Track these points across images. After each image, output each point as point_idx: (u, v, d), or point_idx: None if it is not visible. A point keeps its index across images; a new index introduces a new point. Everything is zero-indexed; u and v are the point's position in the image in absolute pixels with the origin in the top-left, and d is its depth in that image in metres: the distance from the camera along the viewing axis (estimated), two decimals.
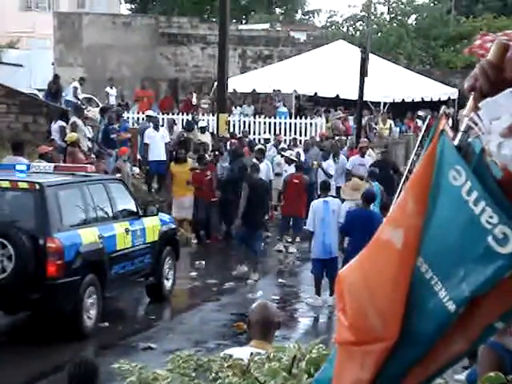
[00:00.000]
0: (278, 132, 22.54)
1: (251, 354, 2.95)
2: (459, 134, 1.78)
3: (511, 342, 5.75)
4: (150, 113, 21.31)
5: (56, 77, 22.96)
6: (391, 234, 1.78)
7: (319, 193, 13.88)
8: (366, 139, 20.69)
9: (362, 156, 18.28)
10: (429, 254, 1.74)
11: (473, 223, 1.67)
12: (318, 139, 21.20)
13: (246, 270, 13.79)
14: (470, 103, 1.80)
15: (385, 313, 1.77)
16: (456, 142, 1.77)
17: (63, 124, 17.42)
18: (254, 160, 16.30)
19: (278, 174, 17.73)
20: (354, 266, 1.88)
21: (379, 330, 1.77)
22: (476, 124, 1.70)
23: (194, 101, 25.72)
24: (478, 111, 1.70)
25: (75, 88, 23.50)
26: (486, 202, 1.65)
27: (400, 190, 1.92)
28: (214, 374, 2.93)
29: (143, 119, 21.27)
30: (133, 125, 21.45)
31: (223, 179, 16.53)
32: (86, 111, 20.34)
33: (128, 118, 22.13)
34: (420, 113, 26.27)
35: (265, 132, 22.48)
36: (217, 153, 17.37)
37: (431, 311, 1.73)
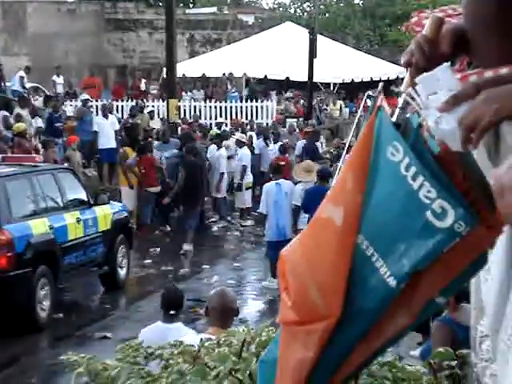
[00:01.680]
0: (229, 115, 22.49)
1: (201, 339, 2.94)
2: (397, 111, 1.78)
3: (463, 317, 5.85)
4: (85, 96, 21.15)
5: None
6: (331, 211, 1.78)
7: (271, 175, 13.90)
8: (312, 122, 20.64)
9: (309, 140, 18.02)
10: (369, 231, 1.74)
11: (411, 198, 1.67)
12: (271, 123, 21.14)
13: (192, 249, 14.41)
14: (406, 79, 1.79)
15: (327, 291, 1.77)
16: (394, 119, 1.76)
17: (6, 114, 17.17)
18: (213, 146, 16.44)
19: (229, 157, 17.66)
20: (296, 245, 1.88)
21: (322, 308, 1.77)
22: (413, 99, 1.69)
23: (143, 86, 25.52)
24: (414, 86, 1.70)
25: (21, 78, 23.14)
26: (424, 176, 1.66)
27: (339, 168, 1.91)
28: (164, 362, 2.90)
29: (91, 106, 20.99)
30: None
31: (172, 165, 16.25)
32: (33, 100, 20.08)
33: (76, 106, 21.87)
34: (370, 92, 26.45)
35: (216, 117, 22.41)
36: (150, 139, 17.04)
37: (373, 288, 1.73)
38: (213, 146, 17.03)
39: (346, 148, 2.19)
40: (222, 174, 16.65)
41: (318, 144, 17.95)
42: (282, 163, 15.38)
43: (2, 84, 21.49)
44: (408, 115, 1.76)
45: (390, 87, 23.63)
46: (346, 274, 1.75)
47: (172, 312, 6.33)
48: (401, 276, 1.69)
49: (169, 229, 15.74)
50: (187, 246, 14.40)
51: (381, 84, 2.00)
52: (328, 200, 1.83)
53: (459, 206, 1.63)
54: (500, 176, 1.43)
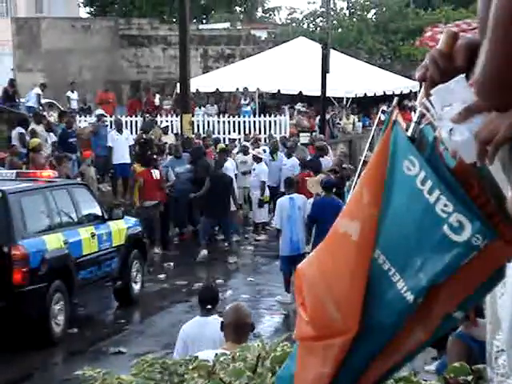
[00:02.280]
0: (242, 130, 22.50)
1: (216, 354, 2.93)
2: (412, 125, 1.78)
3: (479, 332, 5.81)
4: (100, 112, 21.26)
5: (12, 81, 22.75)
6: (347, 226, 1.77)
7: (284, 190, 13.89)
8: (322, 137, 20.48)
9: (319, 156, 17.44)
10: (385, 246, 1.74)
11: (428, 212, 1.66)
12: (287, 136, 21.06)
13: (207, 254, 14.84)
14: (421, 93, 1.80)
15: (344, 306, 1.76)
16: (409, 133, 1.76)
17: (22, 131, 17.29)
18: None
19: (244, 173, 17.65)
20: (312, 260, 1.87)
21: (339, 323, 1.76)
22: (428, 110, 1.70)
23: (157, 102, 25.62)
24: (430, 97, 1.70)
25: (38, 95, 23.35)
26: (441, 190, 1.65)
27: (355, 183, 1.91)
28: (179, 377, 2.90)
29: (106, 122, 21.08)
30: None
31: (185, 180, 16.25)
32: (48, 116, 20.20)
33: (91, 122, 21.96)
34: (384, 107, 26.44)
35: (229, 132, 22.43)
36: (151, 153, 17.07)
37: (390, 302, 1.72)
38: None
39: (361, 162, 2.20)
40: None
41: (325, 158, 17.64)
42: (308, 179, 15.33)
43: (17, 100, 21.66)
44: (423, 128, 1.77)
45: (403, 101, 23.61)
46: (362, 289, 1.74)
47: (208, 306, 6.83)
48: (418, 291, 1.68)
49: (157, 251, 15.40)
50: (232, 259, 14.91)
51: (396, 98, 2.01)
52: (344, 214, 1.83)
53: (476, 219, 1.62)
54: None
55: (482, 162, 1.60)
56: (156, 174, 15.51)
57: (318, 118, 24.21)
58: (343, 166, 16.00)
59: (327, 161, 17.18)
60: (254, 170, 17.26)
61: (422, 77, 1.82)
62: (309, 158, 17.65)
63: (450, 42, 1.82)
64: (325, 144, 18.78)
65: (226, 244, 15.57)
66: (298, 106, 25.37)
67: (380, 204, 1.74)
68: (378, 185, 1.75)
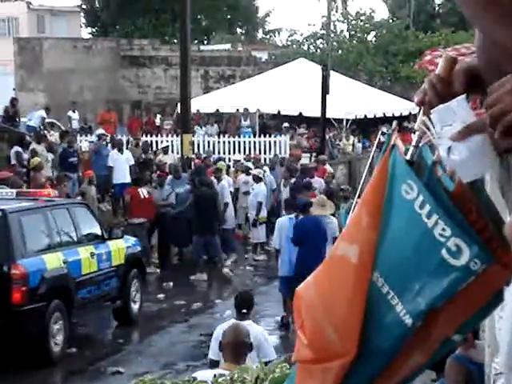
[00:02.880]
0: (242, 151, 22.54)
1: (214, 375, 2.94)
2: (410, 148, 1.79)
3: (477, 354, 5.80)
4: (100, 131, 21.33)
5: (13, 100, 22.84)
6: (346, 249, 1.78)
7: (284, 210, 13.91)
8: (320, 158, 20.48)
9: (311, 177, 17.52)
10: (384, 269, 1.74)
11: (426, 236, 1.67)
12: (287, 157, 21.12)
13: (205, 278, 14.85)
14: (419, 117, 1.82)
15: (342, 329, 1.76)
16: (408, 157, 1.78)
17: (19, 149, 17.33)
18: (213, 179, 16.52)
19: (246, 193, 17.66)
20: (311, 282, 1.88)
21: (337, 346, 1.76)
22: (428, 129, 1.71)
23: (158, 122, 25.68)
24: (430, 116, 1.72)
25: (43, 118, 23.44)
26: (439, 214, 1.66)
27: (354, 206, 1.93)
28: None
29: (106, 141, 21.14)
30: None
31: (184, 199, 16.27)
32: (48, 136, 20.25)
33: (92, 141, 22.03)
34: (384, 129, 26.50)
35: (230, 152, 22.47)
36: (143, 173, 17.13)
37: (388, 326, 1.73)
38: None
39: (360, 185, 2.22)
40: (227, 204, 16.63)
41: (316, 179, 17.59)
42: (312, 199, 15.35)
43: (17, 120, 21.73)
44: (421, 149, 1.78)
45: (402, 123, 23.67)
46: (361, 312, 1.74)
47: (244, 311, 7.30)
48: (416, 314, 1.69)
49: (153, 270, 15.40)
50: (199, 275, 14.78)
51: (395, 122, 2.03)
52: (343, 238, 1.84)
53: (474, 243, 1.63)
54: None
55: (479, 174, 1.63)
56: (144, 192, 15.57)
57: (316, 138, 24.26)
58: (331, 186, 16.12)
59: (317, 181, 17.18)
60: (252, 189, 17.27)
61: (421, 101, 1.84)
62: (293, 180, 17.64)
63: (449, 67, 1.84)
64: (308, 165, 18.79)
65: (217, 262, 15.56)
66: (301, 129, 25.44)
67: (379, 227, 1.75)
68: (376, 208, 1.76)
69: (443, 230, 1.65)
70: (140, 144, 20.56)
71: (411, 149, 1.79)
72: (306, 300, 1.85)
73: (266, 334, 7.12)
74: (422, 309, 1.68)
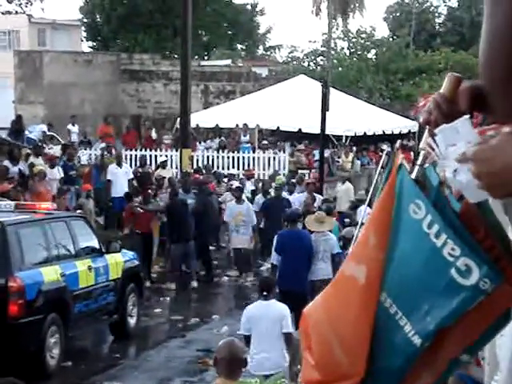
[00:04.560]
0: (241, 166, 22.57)
1: None
2: (416, 168, 1.79)
3: (478, 372, 5.77)
4: (102, 145, 21.45)
5: (19, 117, 23.00)
6: (354, 269, 1.77)
7: (286, 224, 13.90)
8: (316, 174, 20.51)
9: (310, 193, 17.40)
10: (392, 289, 1.73)
11: (435, 256, 1.66)
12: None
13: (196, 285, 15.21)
14: (425, 136, 1.82)
15: (350, 349, 1.74)
16: (413, 176, 1.78)
17: (7, 163, 17.38)
18: (229, 196, 16.52)
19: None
20: (318, 303, 1.86)
21: (345, 367, 1.75)
22: (433, 149, 1.71)
23: (154, 135, 25.73)
24: (435, 136, 1.72)
25: (43, 132, 23.51)
26: (448, 234, 1.65)
27: (361, 225, 1.92)
28: None
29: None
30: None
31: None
32: (47, 149, 20.28)
33: (90, 154, 22.06)
34: (384, 146, 26.55)
35: (229, 167, 22.49)
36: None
37: (397, 346, 1.71)
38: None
39: (366, 203, 2.21)
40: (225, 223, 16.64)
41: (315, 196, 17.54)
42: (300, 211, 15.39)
43: (21, 134, 21.83)
44: (425, 168, 1.78)
45: (402, 141, 23.71)
46: (369, 333, 1.73)
47: (265, 293, 8.46)
48: (425, 334, 1.68)
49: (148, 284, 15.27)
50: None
51: (398, 141, 2.03)
52: (350, 258, 1.82)
53: (483, 263, 1.62)
54: None
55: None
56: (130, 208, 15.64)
57: (316, 153, 24.29)
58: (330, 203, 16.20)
59: (316, 197, 17.18)
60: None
61: (427, 121, 1.85)
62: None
63: (453, 86, 1.85)
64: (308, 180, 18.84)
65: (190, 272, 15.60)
66: (301, 146, 25.52)
67: (386, 247, 1.74)
68: (384, 228, 1.75)
69: (452, 249, 1.64)
70: (111, 153, 20.52)
71: (416, 168, 1.79)
72: (313, 321, 1.83)
73: (288, 311, 8.47)
74: (431, 329, 1.67)
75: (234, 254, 16.34)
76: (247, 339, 8.30)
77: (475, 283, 1.62)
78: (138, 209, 15.53)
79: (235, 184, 17.45)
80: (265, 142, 24.48)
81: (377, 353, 1.73)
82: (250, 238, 16.09)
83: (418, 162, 1.81)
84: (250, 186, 19.19)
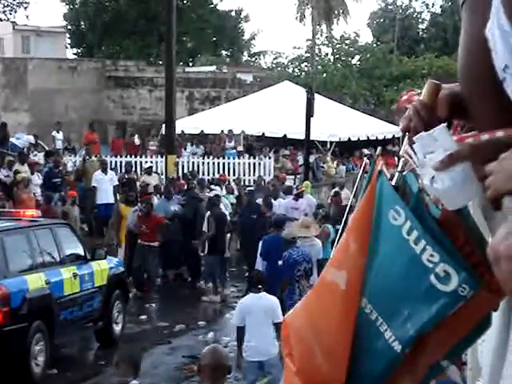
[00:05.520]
0: (227, 172, 22.59)
1: None
2: (396, 174, 1.81)
3: (456, 374, 5.80)
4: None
5: (3, 125, 22.88)
6: (335, 275, 1.78)
7: (271, 229, 13.93)
8: (305, 181, 20.54)
9: (296, 199, 17.35)
10: (372, 295, 1.74)
11: (414, 262, 1.67)
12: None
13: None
14: (404, 143, 1.83)
15: (331, 355, 1.75)
16: (393, 182, 1.79)
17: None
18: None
19: None
20: (299, 309, 1.86)
21: (326, 372, 1.75)
22: (411, 157, 1.72)
23: (137, 141, 25.71)
24: (413, 145, 1.73)
25: (30, 143, 23.43)
26: (427, 240, 1.66)
27: (342, 231, 1.93)
28: None
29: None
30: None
31: (174, 220, 16.21)
32: (32, 156, 20.21)
33: (75, 161, 22.00)
34: (367, 151, 26.63)
35: (214, 173, 22.50)
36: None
37: (378, 352, 1.72)
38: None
39: (347, 210, 2.22)
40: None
41: (301, 202, 17.52)
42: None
43: (5, 142, 21.71)
44: (405, 175, 1.79)
45: (386, 147, 23.79)
46: (350, 339, 1.73)
47: (259, 286, 9.09)
48: (406, 340, 1.68)
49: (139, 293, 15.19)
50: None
51: (379, 148, 2.05)
52: (331, 264, 1.83)
53: (462, 269, 1.64)
54: (495, 244, 1.45)
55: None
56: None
57: (301, 158, 24.36)
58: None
59: (302, 203, 17.18)
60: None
61: (406, 127, 1.86)
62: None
63: (433, 93, 1.86)
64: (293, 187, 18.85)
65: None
66: (286, 151, 25.57)
67: (367, 253, 1.75)
68: (364, 234, 1.76)
69: (431, 255, 1.66)
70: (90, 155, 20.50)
71: (396, 174, 1.81)
72: (294, 327, 1.84)
73: (278, 302, 9.11)
74: (411, 335, 1.67)
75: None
76: (240, 330, 8.97)
77: (454, 289, 1.64)
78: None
79: (213, 192, 17.38)
80: (240, 148, 24.49)
81: (358, 359, 1.74)
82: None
83: (398, 168, 1.83)
84: (223, 191, 19.02)
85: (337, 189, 19.57)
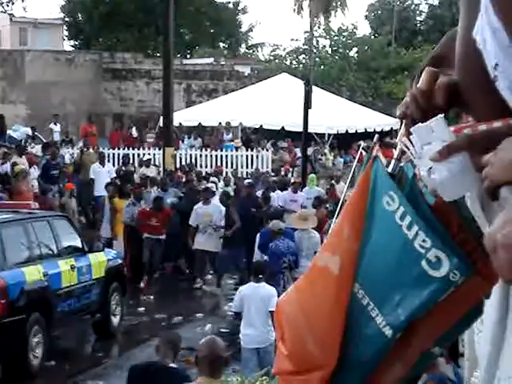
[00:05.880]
0: (225, 164, 22.59)
1: None
2: (392, 161, 1.81)
3: (448, 369, 5.81)
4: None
5: (0, 117, 22.86)
6: (328, 260, 1.79)
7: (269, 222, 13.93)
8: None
9: (295, 192, 17.13)
10: (365, 280, 1.75)
11: (406, 247, 1.68)
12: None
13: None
14: (401, 130, 1.83)
15: (323, 340, 1.76)
16: (390, 169, 1.79)
17: None
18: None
19: None
20: (292, 294, 1.88)
21: (318, 357, 1.76)
22: (408, 148, 1.72)
23: (134, 133, 25.69)
24: (410, 136, 1.73)
25: (27, 135, 23.41)
26: (419, 226, 1.67)
27: (337, 217, 1.93)
28: None
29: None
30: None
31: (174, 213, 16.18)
32: (29, 148, 20.21)
33: (73, 153, 21.98)
34: (364, 144, 26.62)
35: (212, 166, 22.50)
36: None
37: (369, 337, 1.73)
38: None
39: (342, 198, 2.22)
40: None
41: (299, 195, 17.49)
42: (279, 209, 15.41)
43: (3, 134, 21.70)
44: (402, 165, 1.79)
45: (384, 139, 23.78)
46: (342, 324, 1.74)
47: (260, 276, 9.36)
48: (397, 326, 1.69)
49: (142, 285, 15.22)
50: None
51: (376, 136, 2.05)
52: (324, 249, 1.84)
53: (454, 255, 1.64)
54: (493, 233, 1.45)
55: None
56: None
57: (298, 150, 24.37)
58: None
59: (300, 196, 17.18)
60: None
61: (403, 115, 1.86)
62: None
63: (430, 80, 1.85)
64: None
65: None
66: (284, 144, 25.57)
67: (360, 238, 1.76)
68: (358, 219, 1.77)
69: (423, 241, 1.66)
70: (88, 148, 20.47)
71: (393, 162, 1.81)
72: (287, 311, 1.85)
73: (275, 292, 9.23)
74: (402, 320, 1.68)
75: (197, 256, 15.28)
76: (238, 316, 9.51)
77: (445, 275, 1.64)
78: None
79: (205, 185, 17.35)
80: (237, 140, 24.49)
81: (349, 344, 1.75)
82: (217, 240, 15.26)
83: (395, 155, 1.82)
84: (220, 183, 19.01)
85: (332, 181, 19.58)
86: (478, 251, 1.66)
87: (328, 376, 1.76)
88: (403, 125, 1.84)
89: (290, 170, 21.79)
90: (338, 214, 1.93)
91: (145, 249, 15.30)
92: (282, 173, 21.18)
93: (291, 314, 1.83)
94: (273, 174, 21.03)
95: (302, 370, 1.79)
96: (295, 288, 1.89)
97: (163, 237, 15.36)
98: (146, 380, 6.39)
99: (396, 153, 1.82)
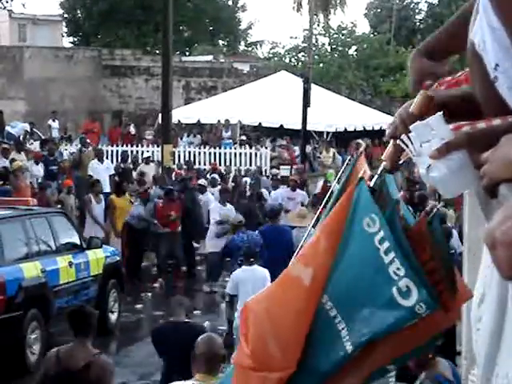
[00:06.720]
0: (223, 162, 22.58)
1: None
2: (374, 177, 1.82)
3: (448, 371, 5.81)
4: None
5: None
6: (301, 271, 1.83)
7: (267, 220, 13.93)
8: (298, 170, 20.50)
9: (293, 189, 17.03)
10: (335, 293, 1.81)
11: (381, 271, 1.74)
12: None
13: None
14: (389, 149, 1.84)
15: (286, 345, 1.82)
16: (371, 184, 1.81)
17: None
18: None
19: None
20: (261, 297, 1.92)
21: (278, 360, 1.81)
22: (407, 146, 1.72)
23: (133, 130, 25.67)
24: (409, 133, 1.73)
25: (25, 131, 23.40)
26: (396, 253, 1.72)
27: (314, 226, 1.96)
28: None
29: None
30: None
31: None
32: (28, 144, 20.20)
33: (73, 152, 21.95)
34: (359, 141, 26.61)
35: (210, 163, 22.49)
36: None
37: (330, 348, 1.80)
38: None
39: (327, 196, 2.19)
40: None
41: (298, 192, 17.48)
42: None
43: (2, 130, 21.70)
44: (386, 178, 1.81)
45: (382, 137, 23.79)
46: (306, 332, 1.79)
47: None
48: (358, 343, 1.75)
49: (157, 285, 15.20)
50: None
51: (362, 146, 2.06)
52: (299, 259, 1.87)
53: (423, 287, 1.71)
54: (492, 230, 1.45)
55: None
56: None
57: (297, 148, 24.37)
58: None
59: (299, 194, 17.18)
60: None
61: (392, 135, 1.87)
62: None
63: (424, 105, 1.84)
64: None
65: None
66: (283, 141, 25.56)
67: (335, 253, 1.78)
68: (336, 235, 1.81)
69: (398, 269, 1.71)
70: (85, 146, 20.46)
71: (375, 177, 1.83)
72: (254, 313, 1.90)
73: (269, 274, 9.41)
74: (365, 339, 1.75)
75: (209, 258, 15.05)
76: (231, 298, 9.88)
77: (412, 305, 1.70)
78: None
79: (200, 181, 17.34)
80: (243, 137, 24.49)
81: (311, 351, 1.82)
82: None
83: (378, 171, 1.84)
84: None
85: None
86: (445, 282, 1.70)
87: (286, 378, 1.80)
88: (391, 144, 1.86)
89: (283, 167, 21.75)
90: (316, 223, 1.96)
91: (164, 244, 15.10)
92: (284, 172, 21.13)
93: (257, 316, 1.89)
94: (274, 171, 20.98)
95: (262, 369, 1.85)
96: (266, 293, 1.93)
97: (179, 229, 15.26)
98: (169, 336, 7.53)
99: (379, 169, 1.84)
